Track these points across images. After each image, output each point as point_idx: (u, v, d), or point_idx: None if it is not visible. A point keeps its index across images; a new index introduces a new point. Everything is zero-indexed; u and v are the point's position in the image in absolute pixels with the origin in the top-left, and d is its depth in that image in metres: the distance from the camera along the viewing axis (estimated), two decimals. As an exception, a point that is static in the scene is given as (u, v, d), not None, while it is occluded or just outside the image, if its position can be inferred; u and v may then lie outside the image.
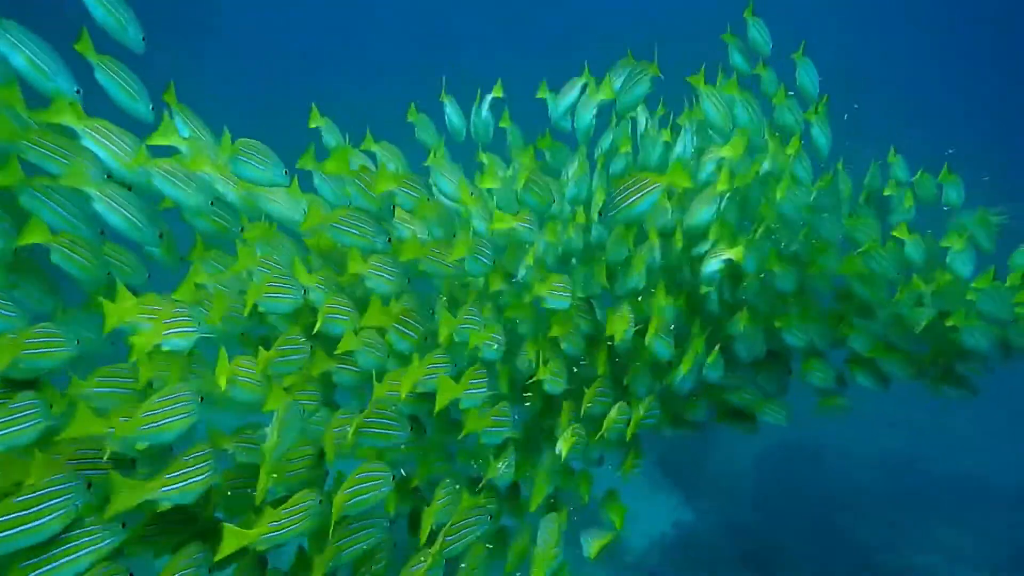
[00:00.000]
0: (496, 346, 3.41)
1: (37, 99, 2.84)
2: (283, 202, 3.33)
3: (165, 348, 2.66)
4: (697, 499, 9.95)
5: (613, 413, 3.68)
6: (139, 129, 3.04)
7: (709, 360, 3.91)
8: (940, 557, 10.07)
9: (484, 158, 4.07)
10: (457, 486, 3.29)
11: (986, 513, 10.92)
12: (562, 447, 3.45)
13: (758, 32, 4.30)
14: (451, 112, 4.26)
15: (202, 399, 2.67)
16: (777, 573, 8.33)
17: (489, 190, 3.83)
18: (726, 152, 3.79)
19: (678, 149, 4.03)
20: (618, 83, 3.79)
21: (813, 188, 4.05)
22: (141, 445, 2.55)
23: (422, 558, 2.99)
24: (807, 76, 4.36)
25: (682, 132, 4.07)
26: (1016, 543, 10.35)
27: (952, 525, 10.79)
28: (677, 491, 10.10)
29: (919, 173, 4.57)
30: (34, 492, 2.24)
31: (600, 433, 3.67)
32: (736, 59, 4.35)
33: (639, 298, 3.87)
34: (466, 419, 3.26)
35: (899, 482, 10.86)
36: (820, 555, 8.69)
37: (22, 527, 2.18)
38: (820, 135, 4.34)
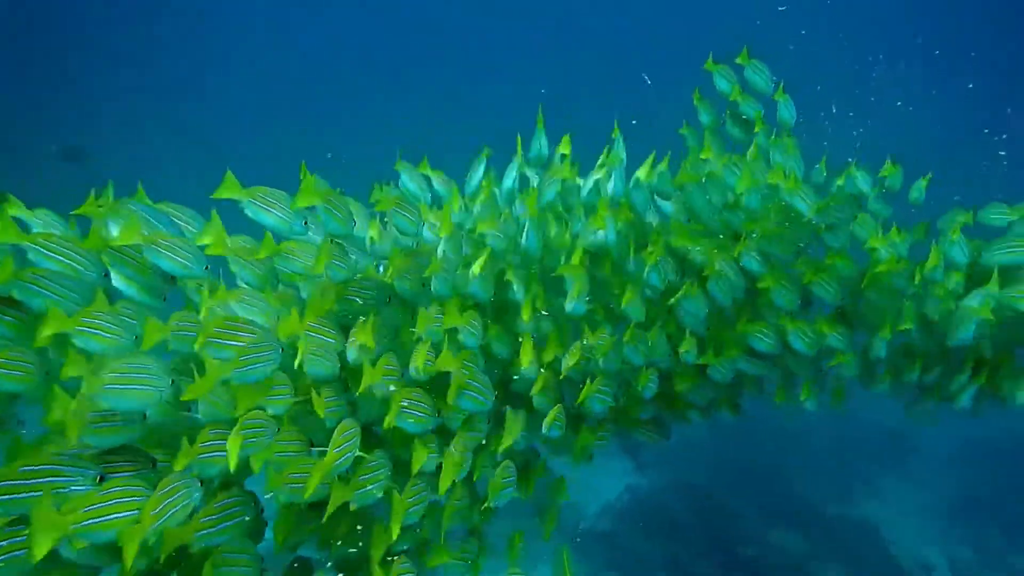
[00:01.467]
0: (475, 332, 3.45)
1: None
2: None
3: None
4: (649, 465, 9.97)
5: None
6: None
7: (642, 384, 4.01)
8: (887, 507, 10.37)
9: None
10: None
11: (924, 466, 11.31)
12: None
13: (756, 74, 4.53)
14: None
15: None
16: (730, 530, 8.38)
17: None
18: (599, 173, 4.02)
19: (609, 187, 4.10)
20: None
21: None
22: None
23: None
24: (787, 111, 4.56)
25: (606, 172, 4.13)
26: (954, 493, 10.73)
27: (894, 477, 11.14)
28: (627, 457, 10.11)
29: (888, 164, 4.59)
30: None
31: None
32: (721, 84, 4.54)
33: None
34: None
35: (844, 439, 11.11)
36: (771, 510, 8.80)
37: None
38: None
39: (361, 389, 3.00)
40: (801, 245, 4.40)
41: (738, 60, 4.52)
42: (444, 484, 3.15)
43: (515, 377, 3.73)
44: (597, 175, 4.05)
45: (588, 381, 3.74)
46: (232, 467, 2.57)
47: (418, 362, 3.13)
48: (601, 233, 3.78)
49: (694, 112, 4.60)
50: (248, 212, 3.10)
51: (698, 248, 4.10)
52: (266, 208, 3.09)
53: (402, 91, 24.30)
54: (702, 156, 4.28)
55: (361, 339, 3.09)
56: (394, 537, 3.06)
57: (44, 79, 20.65)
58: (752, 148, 4.39)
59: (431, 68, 24.71)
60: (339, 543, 3.26)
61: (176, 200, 3.26)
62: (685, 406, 4.65)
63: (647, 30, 24.77)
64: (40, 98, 19.81)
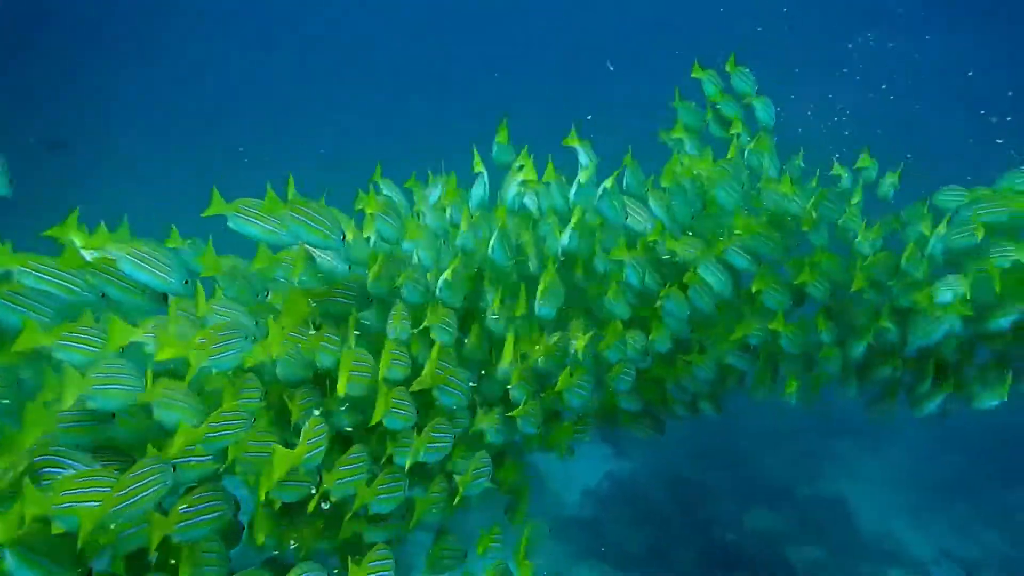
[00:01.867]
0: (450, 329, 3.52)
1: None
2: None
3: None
4: (628, 452, 10.13)
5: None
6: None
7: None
8: (858, 484, 10.66)
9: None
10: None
11: (893, 444, 11.60)
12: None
13: (742, 81, 4.67)
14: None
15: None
16: (708, 514, 8.59)
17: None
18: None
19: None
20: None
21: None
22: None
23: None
24: (765, 113, 4.68)
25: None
26: (924, 470, 11.04)
27: (865, 456, 11.42)
28: (606, 444, 10.26)
29: (863, 156, 4.68)
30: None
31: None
32: (708, 89, 4.64)
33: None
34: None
35: (815, 420, 11.37)
36: (747, 493, 9.01)
37: None
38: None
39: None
40: (789, 245, 4.47)
41: (727, 68, 4.65)
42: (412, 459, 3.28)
43: (482, 372, 3.82)
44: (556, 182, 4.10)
45: (566, 374, 3.77)
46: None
47: (384, 364, 3.20)
48: (565, 239, 3.87)
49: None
50: (231, 225, 3.12)
51: (687, 244, 4.13)
52: (251, 221, 3.12)
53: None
54: (685, 161, 4.34)
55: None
56: (362, 530, 3.25)
57: (26, 69, 20.27)
58: (731, 148, 4.47)
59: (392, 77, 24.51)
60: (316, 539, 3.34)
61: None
62: (671, 401, 4.73)
63: (599, 19, 24.71)
64: (19, 88, 19.47)
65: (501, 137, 4.14)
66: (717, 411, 4.85)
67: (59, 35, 21.12)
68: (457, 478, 3.47)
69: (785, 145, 4.65)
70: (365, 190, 3.64)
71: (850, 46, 20.47)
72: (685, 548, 8.05)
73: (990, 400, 4.46)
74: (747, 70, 4.68)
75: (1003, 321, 4.18)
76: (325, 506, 3.14)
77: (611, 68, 22.02)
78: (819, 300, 4.41)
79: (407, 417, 3.21)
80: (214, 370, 2.86)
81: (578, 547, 8.44)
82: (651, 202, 4.15)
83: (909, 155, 4.89)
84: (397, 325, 3.35)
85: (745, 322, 4.32)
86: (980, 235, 4.07)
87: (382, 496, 3.18)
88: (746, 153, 4.43)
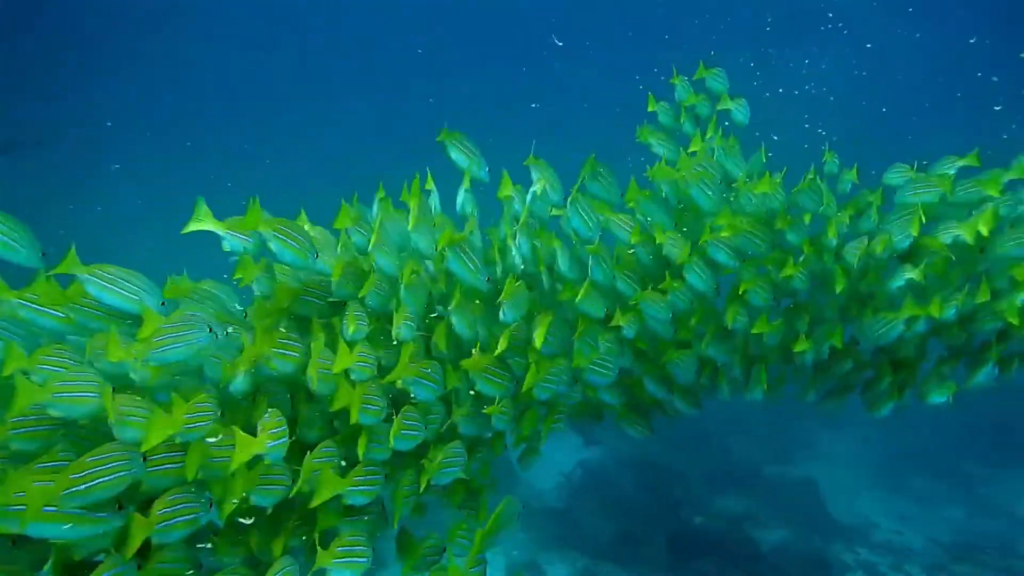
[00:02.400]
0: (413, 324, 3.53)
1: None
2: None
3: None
4: (598, 439, 10.23)
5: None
6: None
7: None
8: (822, 463, 10.89)
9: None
10: None
11: (857, 423, 11.84)
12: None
13: (716, 81, 4.76)
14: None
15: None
16: (677, 499, 8.70)
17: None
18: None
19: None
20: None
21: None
22: None
23: None
24: (740, 114, 4.78)
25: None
26: (886, 448, 11.29)
27: (828, 437, 11.66)
28: (575, 434, 10.36)
29: (826, 153, 4.76)
30: None
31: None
32: (681, 94, 4.70)
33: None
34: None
35: (782, 403, 11.55)
36: (715, 477, 9.14)
37: None
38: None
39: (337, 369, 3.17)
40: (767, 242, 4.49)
41: (696, 76, 4.72)
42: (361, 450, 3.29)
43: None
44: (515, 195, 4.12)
45: (532, 371, 3.78)
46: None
47: (340, 362, 3.22)
48: (514, 252, 3.94)
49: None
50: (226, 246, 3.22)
51: (671, 239, 4.11)
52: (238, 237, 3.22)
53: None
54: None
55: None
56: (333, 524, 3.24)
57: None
58: (701, 148, 4.49)
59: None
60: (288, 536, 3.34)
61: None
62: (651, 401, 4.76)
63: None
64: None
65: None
66: (697, 407, 4.85)
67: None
68: (424, 463, 3.48)
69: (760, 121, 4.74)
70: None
71: (830, 15, 20.73)
72: (655, 533, 8.16)
73: (939, 397, 4.58)
74: (720, 70, 4.77)
75: (949, 312, 4.28)
76: (248, 521, 3.15)
77: (559, 43, 22.02)
78: (803, 292, 4.43)
79: (378, 412, 3.25)
80: (166, 361, 2.83)
81: (550, 535, 8.52)
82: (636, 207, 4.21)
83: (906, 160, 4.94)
84: (351, 326, 3.36)
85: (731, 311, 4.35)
86: (915, 228, 4.19)
87: (359, 488, 3.19)
88: (715, 154, 4.46)
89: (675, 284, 4.10)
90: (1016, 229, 4.25)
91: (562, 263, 4.01)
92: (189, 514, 2.74)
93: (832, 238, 4.33)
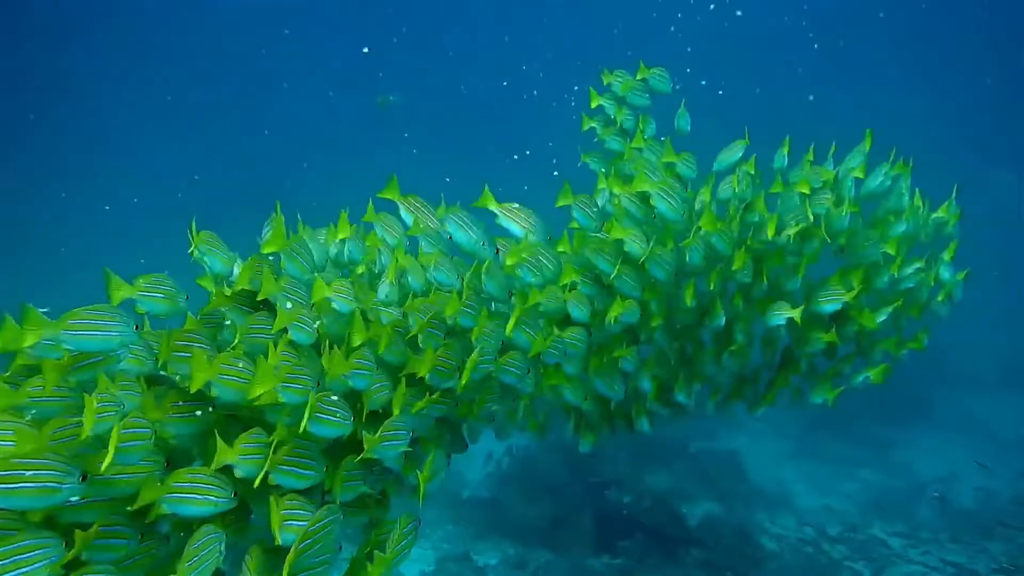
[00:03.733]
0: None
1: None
2: None
3: None
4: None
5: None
6: None
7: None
8: (744, 436, 11.19)
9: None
10: None
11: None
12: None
13: (659, 81, 4.79)
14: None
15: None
16: (605, 480, 8.77)
17: None
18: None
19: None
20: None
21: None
22: None
23: None
24: (683, 121, 4.80)
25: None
26: (805, 417, 11.67)
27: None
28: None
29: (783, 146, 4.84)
30: None
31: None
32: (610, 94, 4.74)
33: None
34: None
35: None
36: (639, 453, 9.24)
37: None
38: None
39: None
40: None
41: (639, 76, 4.72)
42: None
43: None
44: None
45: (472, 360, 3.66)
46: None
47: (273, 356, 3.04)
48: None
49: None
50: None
51: (633, 238, 4.06)
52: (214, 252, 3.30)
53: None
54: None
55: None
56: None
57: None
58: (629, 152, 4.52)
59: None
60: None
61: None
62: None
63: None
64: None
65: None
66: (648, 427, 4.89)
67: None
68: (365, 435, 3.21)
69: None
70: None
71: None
72: (583, 515, 8.20)
73: (817, 398, 4.77)
74: (663, 69, 4.78)
75: (827, 308, 4.41)
76: None
77: (366, 51, 22.50)
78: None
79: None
80: (75, 349, 2.64)
81: (480, 525, 8.48)
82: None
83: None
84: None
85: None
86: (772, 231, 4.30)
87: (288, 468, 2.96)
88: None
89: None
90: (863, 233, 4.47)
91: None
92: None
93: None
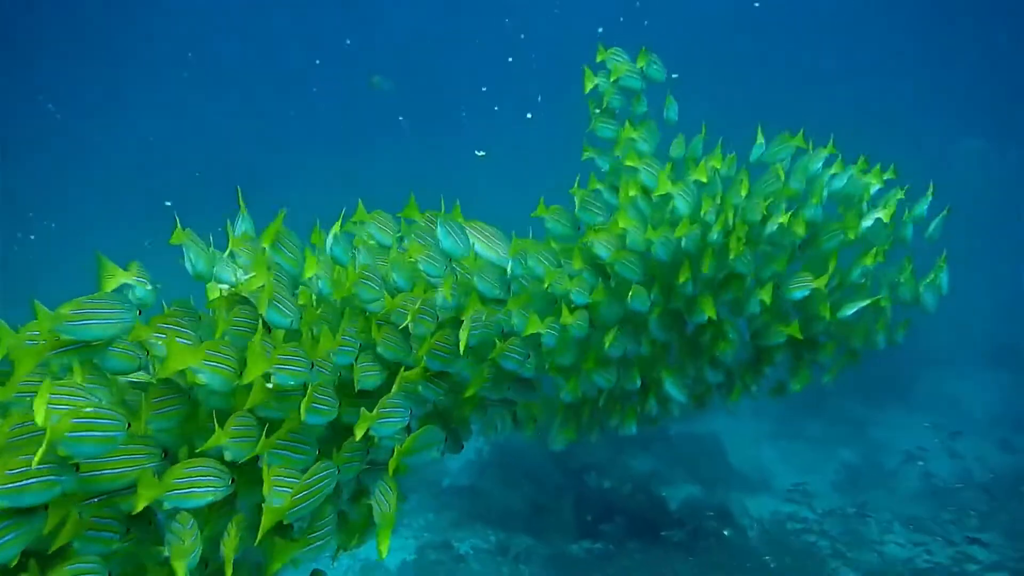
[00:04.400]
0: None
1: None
2: None
3: None
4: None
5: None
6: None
7: None
8: (726, 418, 11.21)
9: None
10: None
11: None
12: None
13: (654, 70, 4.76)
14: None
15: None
16: (583, 465, 8.76)
17: None
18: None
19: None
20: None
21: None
22: None
23: None
24: (672, 111, 4.81)
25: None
26: (785, 400, 11.72)
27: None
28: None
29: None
30: None
31: None
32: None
33: None
34: None
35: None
36: (618, 438, 9.22)
37: None
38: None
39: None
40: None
41: (638, 63, 4.69)
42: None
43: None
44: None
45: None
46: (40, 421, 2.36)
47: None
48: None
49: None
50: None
51: (602, 242, 4.11)
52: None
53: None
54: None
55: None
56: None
57: None
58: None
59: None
60: None
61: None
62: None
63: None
64: None
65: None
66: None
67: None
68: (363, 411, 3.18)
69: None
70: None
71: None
72: (563, 501, 8.19)
73: (797, 387, 4.78)
74: (657, 57, 4.76)
75: (796, 295, 4.42)
76: None
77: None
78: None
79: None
80: (76, 338, 2.61)
81: (461, 513, 8.44)
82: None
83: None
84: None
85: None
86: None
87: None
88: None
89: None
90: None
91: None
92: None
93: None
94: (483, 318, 3.67)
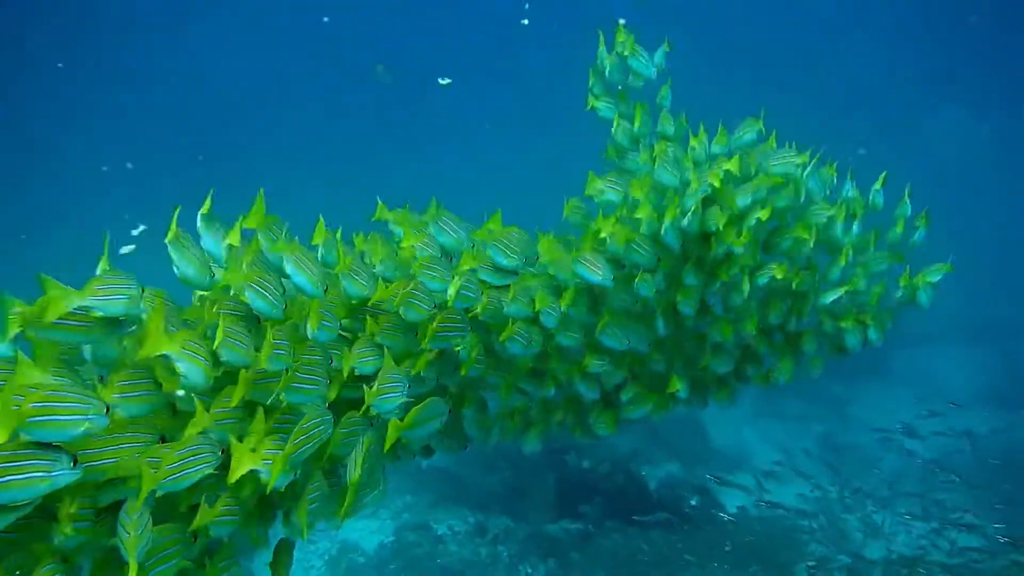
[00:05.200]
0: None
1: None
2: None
3: None
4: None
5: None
6: None
7: None
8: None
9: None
10: None
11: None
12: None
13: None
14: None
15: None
16: (563, 447, 8.72)
17: None
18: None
19: None
20: None
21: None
22: None
23: None
24: (665, 100, 4.71)
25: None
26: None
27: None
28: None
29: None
30: None
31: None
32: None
33: None
34: None
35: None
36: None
37: None
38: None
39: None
40: None
41: (626, 53, 4.59)
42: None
43: None
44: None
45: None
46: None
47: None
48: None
49: None
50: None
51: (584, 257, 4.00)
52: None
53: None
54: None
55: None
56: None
57: None
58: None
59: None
60: None
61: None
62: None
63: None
64: None
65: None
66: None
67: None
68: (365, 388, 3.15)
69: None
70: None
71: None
72: (542, 481, 8.16)
73: (781, 376, 4.85)
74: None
75: (760, 281, 4.38)
76: None
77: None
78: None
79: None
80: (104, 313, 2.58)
81: (440, 495, 8.39)
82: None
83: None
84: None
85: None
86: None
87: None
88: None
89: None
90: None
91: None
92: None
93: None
94: (476, 279, 3.70)
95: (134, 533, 2.36)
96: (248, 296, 3.01)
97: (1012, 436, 10.16)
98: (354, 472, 3.12)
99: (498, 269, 3.83)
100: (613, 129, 4.60)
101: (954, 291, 4.85)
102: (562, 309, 3.92)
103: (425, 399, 3.30)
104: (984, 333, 13.66)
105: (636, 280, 4.10)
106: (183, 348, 2.60)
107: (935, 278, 4.73)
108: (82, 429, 2.30)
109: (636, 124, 4.53)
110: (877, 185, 4.69)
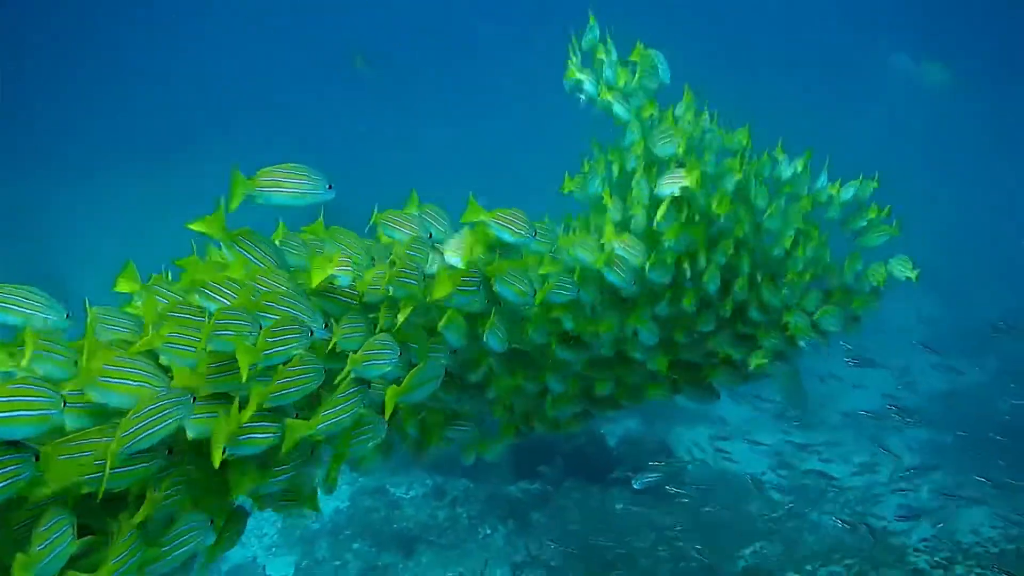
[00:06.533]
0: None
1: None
2: None
3: None
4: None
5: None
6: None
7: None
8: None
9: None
10: None
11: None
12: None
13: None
14: None
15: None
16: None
17: None
18: None
19: None
20: None
21: None
22: None
23: None
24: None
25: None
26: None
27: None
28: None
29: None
30: None
31: None
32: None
33: None
34: None
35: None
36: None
37: None
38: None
39: None
40: None
41: (631, 57, 4.16)
42: None
43: None
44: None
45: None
46: None
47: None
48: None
49: None
50: None
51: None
52: None
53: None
54: None
55: None
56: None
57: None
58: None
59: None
60: None
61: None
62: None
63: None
64: None
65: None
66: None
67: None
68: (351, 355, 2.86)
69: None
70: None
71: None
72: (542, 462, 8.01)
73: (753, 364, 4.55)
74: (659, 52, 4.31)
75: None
76: None
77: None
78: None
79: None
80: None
81: (397, 460, 8.20)
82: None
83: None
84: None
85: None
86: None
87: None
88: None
89: None
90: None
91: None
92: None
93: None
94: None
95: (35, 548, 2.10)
96: None
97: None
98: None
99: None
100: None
101: (906, 238, 4.65)
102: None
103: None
104: (936, 280, 13.84)
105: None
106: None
107: (878, 241, 4.57)
108: None
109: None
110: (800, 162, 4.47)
